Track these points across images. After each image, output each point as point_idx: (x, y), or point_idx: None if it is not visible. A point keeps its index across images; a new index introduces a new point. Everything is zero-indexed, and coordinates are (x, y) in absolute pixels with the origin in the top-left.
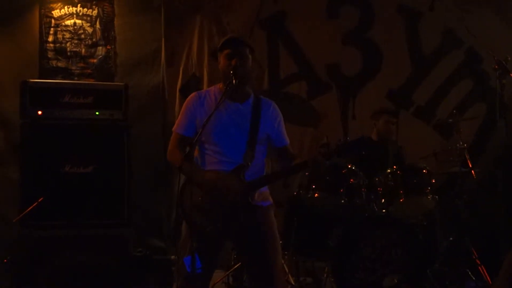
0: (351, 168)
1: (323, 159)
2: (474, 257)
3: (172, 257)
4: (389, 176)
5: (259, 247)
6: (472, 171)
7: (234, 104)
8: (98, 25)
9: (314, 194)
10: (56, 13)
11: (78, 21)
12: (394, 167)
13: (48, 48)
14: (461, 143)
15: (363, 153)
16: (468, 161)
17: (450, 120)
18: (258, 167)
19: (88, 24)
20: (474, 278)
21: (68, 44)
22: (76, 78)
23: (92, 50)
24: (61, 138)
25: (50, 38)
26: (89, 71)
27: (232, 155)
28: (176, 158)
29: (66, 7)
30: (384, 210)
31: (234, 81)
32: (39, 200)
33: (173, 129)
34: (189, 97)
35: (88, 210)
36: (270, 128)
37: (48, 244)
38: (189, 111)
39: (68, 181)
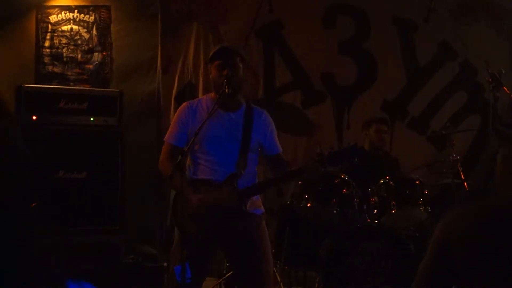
0: (344, 178)
1: (318, 165)
2: None
3: (164, 264)
4: (382, 187)
5: (250, 255)
6: (465, 183)
7: (226, 113)
8: (94, 31)
9: (307, 204)
10: (53, 18)
11: (75, 27)
12: (387, 177)
13: (44, 53)
14: (454, 155)
15: (356, 160)
16: (461, 173)
17: (444, 132)
18: (251, 175)
19: (85, 30)
20: None
21: (64, 50)
22: (72, 83)
23: (88, 56)
24: (55, 144)
25: (47, 43)
26: (85, 76)
27: (225, 164)
28: (166, 169)
29: (63, 12)
30: (376, 221)
31: (227, 91)
32: (31, 206)
33: (165, 139)
34: (180, 107)
35: (81, 216)
36: (262, 136)
37: (40, 250)
38: (181, 121)
39: (62, 186)
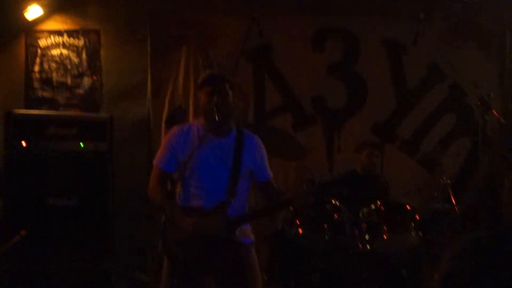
0: (335, 203)
1: (308, 197)
2: None
3: None
4: (373, 212)
5: (240, 283)
6: (456, 207)
7: (216, 140)
8: (84, 55)
9: (298, 230)
10: (42, 42)
11: (65, 51)
12: (378, 202)
13: (34, 77)
14: (444, 178)
15: (344, 192)
16: (452, 197)
17: (433, 155)
18: (241, 203)
19: (75, 54)
20: None
21: (54, 74)
22: (61, 108)
23: (78, 81)
24: (45, 170)
25: (36, 68)
26: (74, 101)
27: (215, 191)
28: (156, 196)
29: (52, 36)
30: (368, 246)
31: (216, 118)
32: (21, 233)
33: (154, 163)
34: (171, 131)
35: (72, 242)
36: (252, 162)
37: (31, 277)
38: (171, 146)
39: (52, 213)
